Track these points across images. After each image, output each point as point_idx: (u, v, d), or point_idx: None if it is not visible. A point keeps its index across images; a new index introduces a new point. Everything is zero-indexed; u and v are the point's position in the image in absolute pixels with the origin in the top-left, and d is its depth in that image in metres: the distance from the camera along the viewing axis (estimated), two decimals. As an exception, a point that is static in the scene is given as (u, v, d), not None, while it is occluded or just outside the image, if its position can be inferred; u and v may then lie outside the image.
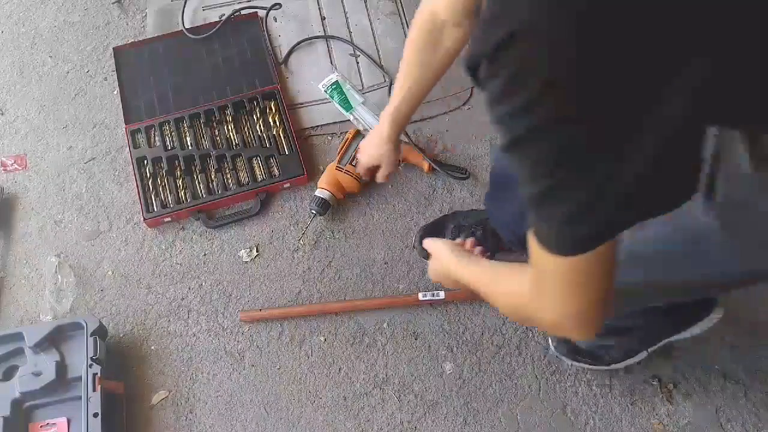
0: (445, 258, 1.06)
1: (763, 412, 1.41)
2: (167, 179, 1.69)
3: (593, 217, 0.62)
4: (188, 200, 1.67)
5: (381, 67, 1.86)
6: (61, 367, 1.40)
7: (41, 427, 1.38)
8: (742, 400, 1.42)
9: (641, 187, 0.60)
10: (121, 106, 1.80)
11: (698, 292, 1.10)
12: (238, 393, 1.48)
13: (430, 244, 1.12)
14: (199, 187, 1.69)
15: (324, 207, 1.62)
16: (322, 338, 1.53)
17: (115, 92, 1.85)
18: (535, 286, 0.73)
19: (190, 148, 1.73)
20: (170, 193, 1.67)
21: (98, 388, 1.36)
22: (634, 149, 0.57)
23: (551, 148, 0.58)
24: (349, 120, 1.78)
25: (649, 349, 1.38)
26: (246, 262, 1.63)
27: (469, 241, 1.13)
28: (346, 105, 1.78)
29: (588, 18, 0.53)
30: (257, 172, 1.71)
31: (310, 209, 1.63)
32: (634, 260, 0.89)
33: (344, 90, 1.80)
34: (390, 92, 1.70)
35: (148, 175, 1.70)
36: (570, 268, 0.67)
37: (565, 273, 0.67)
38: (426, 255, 1.19)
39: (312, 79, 1.85)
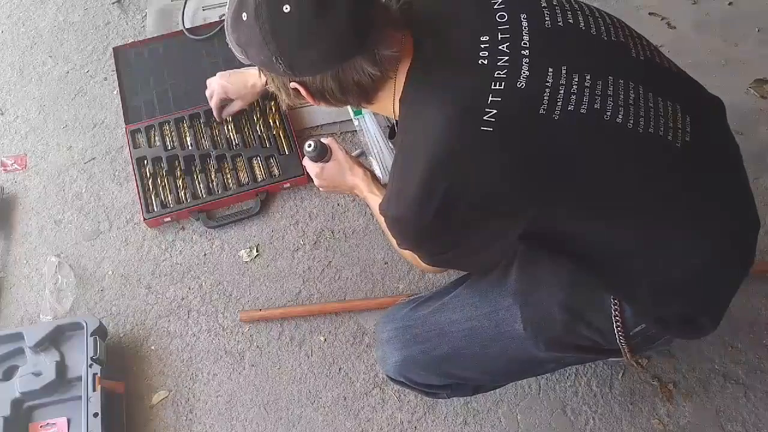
0: (360, 181, 1.28)
1: (763, 412, 1.41)
2: (167, 179, 1.69)
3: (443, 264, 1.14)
4: (188, 200, 1.67)
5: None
6: (61, 367, 1.40)
7: (41, 427, 1.38)
8: (742, 400, 1.42)
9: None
10: (121, 106, 1.80)
11: (506, 374, 1.28)
12: (238, 393, 1.48)
13: (348, 159, 1.31)
14: (199, 187, 1.69)
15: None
16: (322, 338, 1.53)
17: (115, 92, 1.86)
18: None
19: (190, 148, 1.73)
20: (170, 193, 1.67)
21: (98, 388, 1.36)
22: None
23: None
24: (349, 120, 1.78)
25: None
26: (246, 262, 1.63)
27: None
28: (357, 109, 1.77)
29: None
30: (257, 172, 1.71)
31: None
32: (443, 336, 1.16)
33: None
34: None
35: (148, 175, 1.70)
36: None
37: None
38: (318, 158, 1.31)
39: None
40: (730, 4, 1.97)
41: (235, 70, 1.62)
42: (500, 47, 0.89)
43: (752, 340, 1.48)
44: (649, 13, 1.96)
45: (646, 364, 1.46)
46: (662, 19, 1.95)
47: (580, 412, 1.43)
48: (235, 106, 1.68)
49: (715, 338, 1.48)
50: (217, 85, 1.63)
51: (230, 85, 1.62)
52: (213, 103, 1.66)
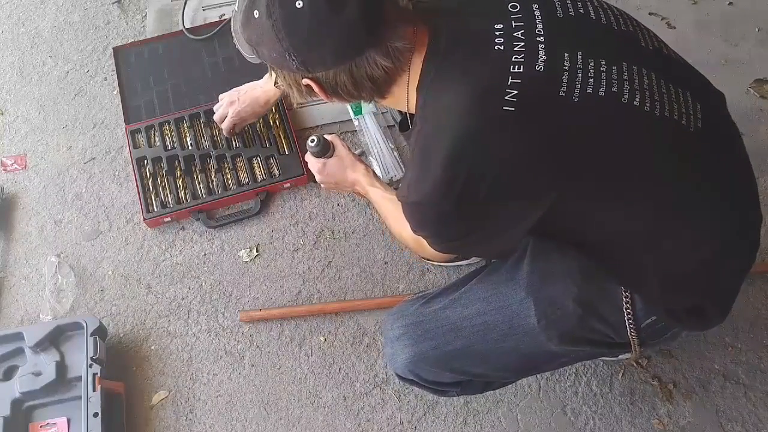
0: (362, 177, 1.31)
1: (763, 412, 1.41)
2: (167, 179, 1.69)
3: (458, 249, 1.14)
4: (188, 200, 1.67)
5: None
6: (61, 367, 1.40)
7: (41, 427, 1.39)
8: (742, 400, 1.42)
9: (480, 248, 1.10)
10: (121, 106, 1.80)
11: (518, 369, 1.26)
12: (238, 393, 1.48)
13: (350, 155, 1.33)
14: (199, 187, 1.69)
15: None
16: (322, 338, 1.53)
17: (115, 92, 1.86)
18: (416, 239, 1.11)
19: (190, 148, 1.73)
20: (170, 193, 1.67)
21: (98, 388, 1.36)
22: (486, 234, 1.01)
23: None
24: (349, 120, 1.78)
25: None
26: (246, 262, 1.63)
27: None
28: (357, 108, 1.77)
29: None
30: (257, 172, 1.71)
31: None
32: (456, 332, 1.15)
33: None
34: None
35: (148, 175, 1.70)
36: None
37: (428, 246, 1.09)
38: (321, 154, 1.33)
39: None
40: (730, 4, 1.97)
41: (242, 89, 1.62)
42: (515, 34, 0.90)
43: (752, 340, 1.48)
44: (649, 13, 1.96)
45: (646, 364, 1.46)
46: (662, 19, 1.95)
47: (580, 412, 1.43)
48: (247, 123, 1.70)
49: (715, 338, 1.48)
50: (232, 113, 1.63)
51: (244, 112, 1.63)
52: (225, 126, 1.66)
